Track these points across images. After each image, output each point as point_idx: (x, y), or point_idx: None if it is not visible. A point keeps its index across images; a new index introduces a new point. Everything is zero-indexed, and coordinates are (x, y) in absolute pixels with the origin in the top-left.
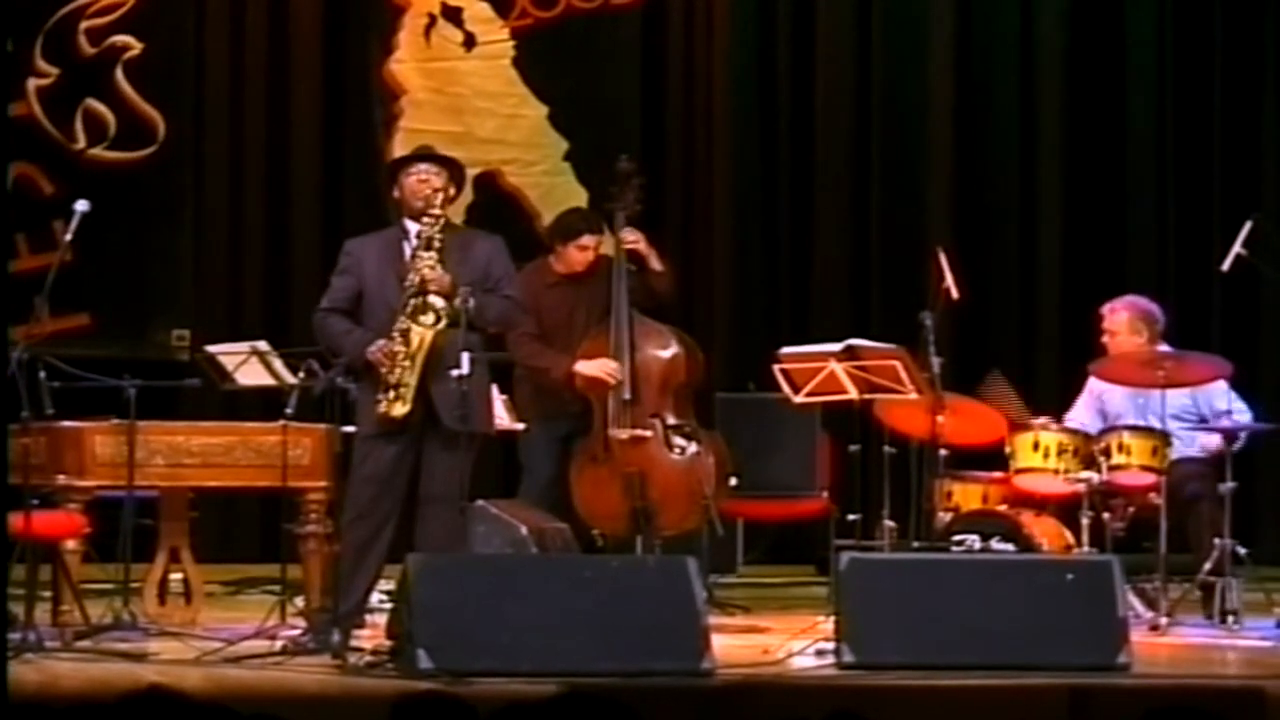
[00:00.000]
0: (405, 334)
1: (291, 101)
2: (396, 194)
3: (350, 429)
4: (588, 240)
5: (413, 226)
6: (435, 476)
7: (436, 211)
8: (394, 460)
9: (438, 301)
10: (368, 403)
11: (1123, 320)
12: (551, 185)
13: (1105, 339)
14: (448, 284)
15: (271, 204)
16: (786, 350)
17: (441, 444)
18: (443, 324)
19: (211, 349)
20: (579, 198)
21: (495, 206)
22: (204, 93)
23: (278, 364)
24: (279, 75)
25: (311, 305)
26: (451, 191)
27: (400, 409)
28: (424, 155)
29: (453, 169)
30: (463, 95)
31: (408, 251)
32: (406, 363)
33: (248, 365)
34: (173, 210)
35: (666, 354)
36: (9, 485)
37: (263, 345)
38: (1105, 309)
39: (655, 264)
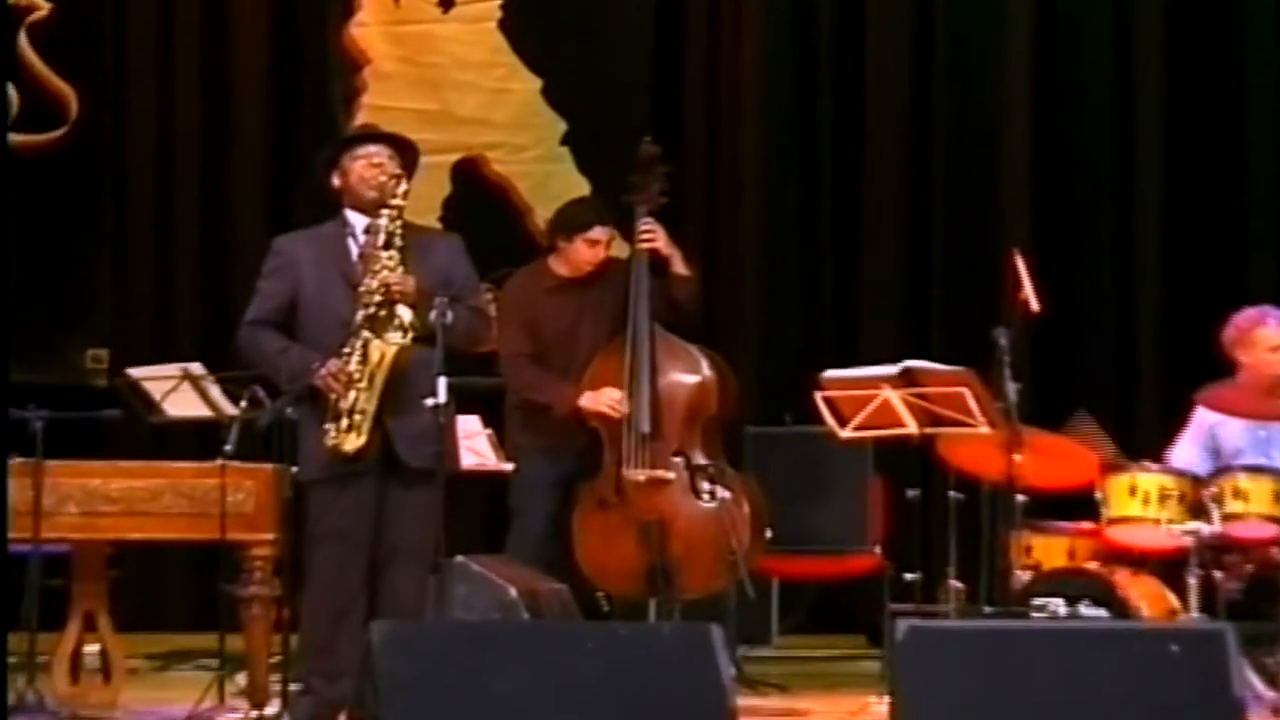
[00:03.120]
0: (363, 350)
1: (233, 74)
2: (337, 181)
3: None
4: (599, 233)
5: (358, 220)
6: (402, 526)
7: (398, 202)
8: (356, 509)
9: (405, 312)
10: (312, 437)
11: (1274, 334)
12: (546, 174)
13: (1242, 356)
14: (414, 291)
15: (208, 198)
16: (830, 374)
17: (405, 486)
18: (408, 340)
19: (135, 373)
20: (579, 190)
21: (477, 200)
22: (126, 63)
23: (215, 391)
24: (217, 42)
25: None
26: (406, 179)
27: (354, 441)
28: (372, 135)
29: (405, 152)
30: (439, 66)
31: (354, 249)
32: (364, 384)
33: (179, 393)
34: (88, 205)
35: (694, 379)
36: None
37: (197, 368)
38: (1243, 320)
39: (680, 266)
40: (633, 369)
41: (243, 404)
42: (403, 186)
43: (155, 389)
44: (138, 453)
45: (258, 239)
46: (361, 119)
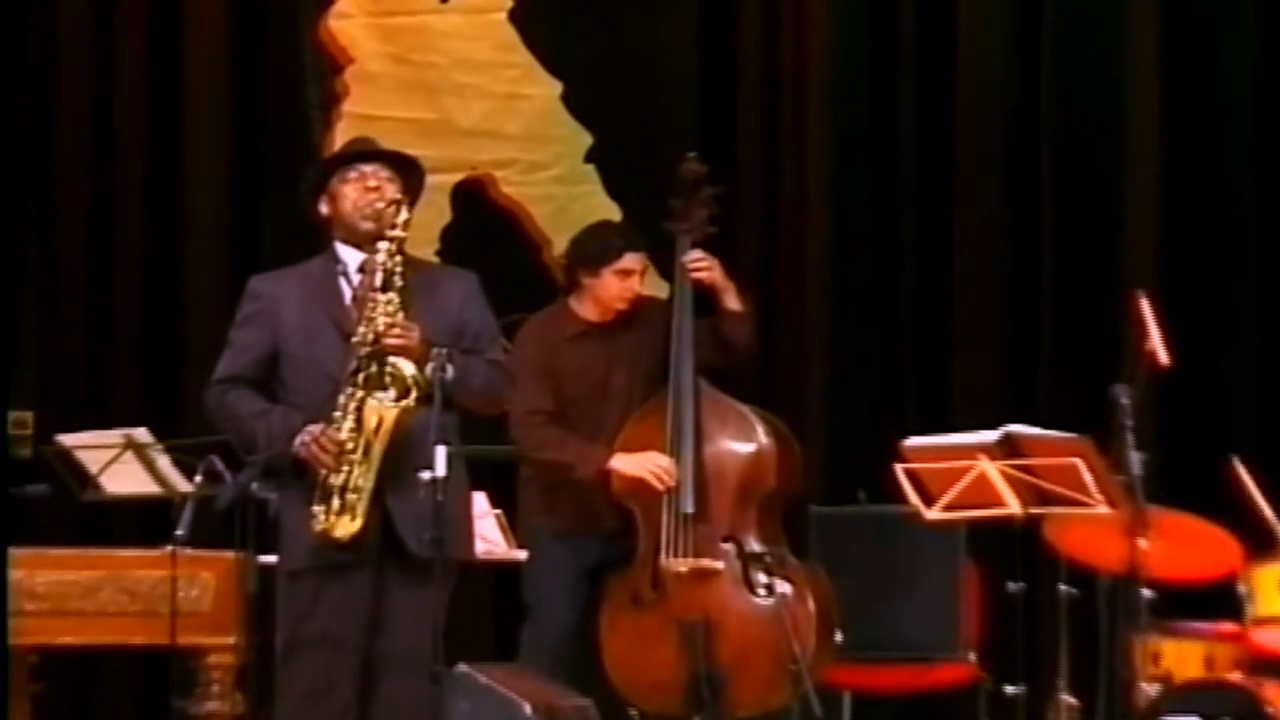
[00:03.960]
0: (357, 413)
1: (184, 74)
2: (326, 209)
3: (272, 559)
4: (631, 261)
5: (351, 255)
6: (399, 628)
7: (399, 234)
8: (348, 607)
9: (406, 367)
10: (297, 520)
11: None
12: (567, 198)
13: None
14: (418, 341)
15: (155, 227)
16: (914, 443)
17: (406, 581)
18: (411, 400)
19: (67, 440)
20: (608, 217)
21: (483, 229)
22: (55, 60)
23: (163, 462)
24: (166, 35)
25: (210, 373)
26: (408, 205)
27: (347, 525)
28: (368, 152)
29: (409, 173)
30: (437, 66)
31: (347, 292)
32: (358, 456)
33: (120, 464)
34: (8, 234)
35: (748, 447)
36: None
37: (142, 435)
38: None
39: (733, 301)
40: (674, 434)
41: (198, 478)
42: (404, 215)
43: (91, 460)
44: (69, 537)
45: (216, 277)
46: (343, 131)
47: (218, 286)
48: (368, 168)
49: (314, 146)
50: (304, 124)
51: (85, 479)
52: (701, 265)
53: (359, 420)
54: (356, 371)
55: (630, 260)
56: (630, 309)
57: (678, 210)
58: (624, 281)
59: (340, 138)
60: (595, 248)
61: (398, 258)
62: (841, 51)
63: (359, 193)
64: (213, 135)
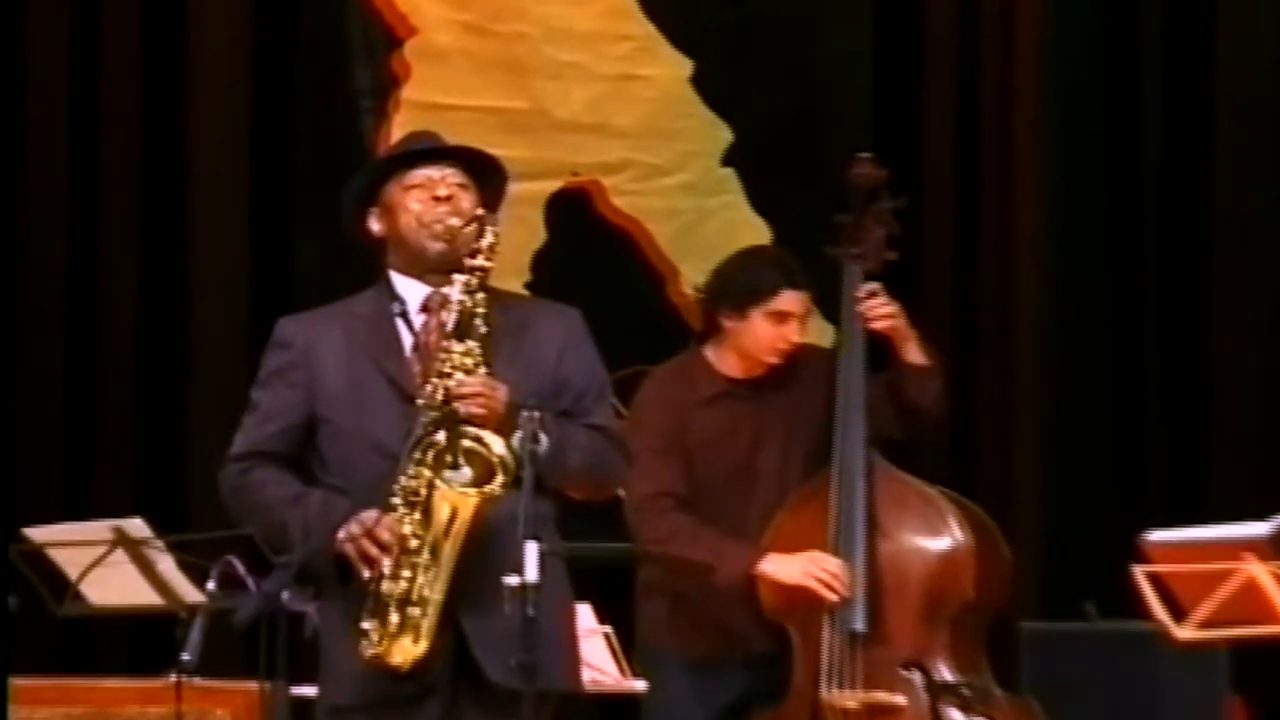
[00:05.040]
0: (423, 502)
1: (189, 55)
2: (378, 227)
3: (308, 692)
4: (788, 301)
5: (411, 289)
6: None
7: (482, 263)
8: None
9: (494, 442)
10: (342, 641)
11: None
12: (699, 213)
13: None
14: (503, 405)
15: (150, 252)
16: (1160, 538)
17: (486, 717)
18: (499, 484)
19: (38, 535)
20: (755, 236)
21: (588, 254)
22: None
23: (165, 564)
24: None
25: (223, 449)
26: (492, 224)
27: (410, 649)
28: (437, 149)
29: (486, 178)
30: (527, 39)
31: (407, 338)
32: (424, 558)
33: (108, 567)
34: None
35: (939, 544)
36: None
37: (136, 527)
38: None
39: (916, 354)
40: (840, 528)
41: (210, 585)
42: (488, 237)
43: (70, 561)
44: (42, 662)
45: (232, 320)
46: (401, 125)
47: (233, 332)
48: (435, 171)
49: (363, 146)
50: (350, 116)
51: (63, 587)
52: (878, 306)
53: (426, 511)
54: (422, 445)
55: (787, 299)
56: (785, 362)
57: (847, 230)
58: (778, 327)
59: (398, 132)
60: (742, 282)
61: (480, 295)
62: (1061, 36)
63: (424, 205)
64: (226, 130)
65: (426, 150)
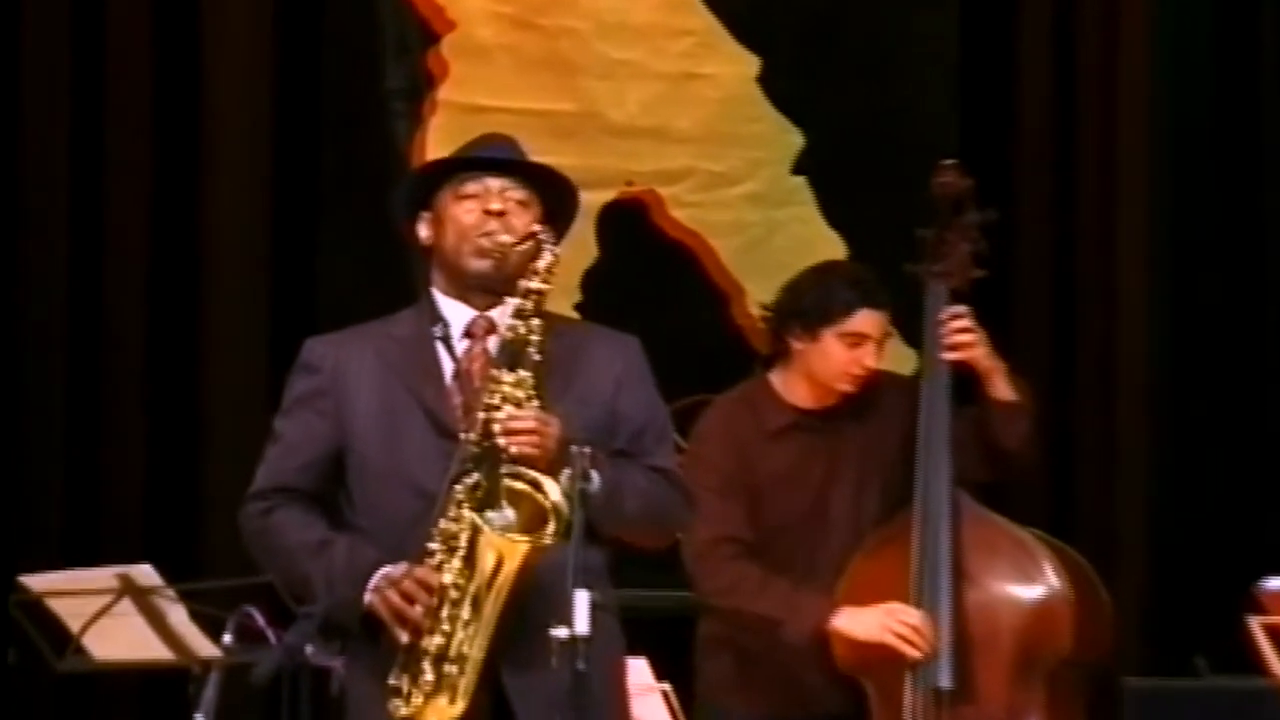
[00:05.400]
0: (464, 547)
1: (206, 56)
2: (426, 234)
3: None
4: (865, 322)
5: (456, 311)
6: None
7: (538, 285)
8: None
9: (550, 487)
10: (371, 700)
11: None
12: (767, 226)
13: None
14: (556, 443)
15: (160, 267)
16: (1275, 586)
17: None
18: (550, 532)
19: (36, 584)
20: (829, 251)
21: (644, 271)
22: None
23: (176, 615)
24: None
25: (242, 487)
26: (551, 242)
27: (446, 710)
28: (489, 159)
29: (550, 190)
30: (576, 33)
31: (448, 365)
32: (464, 611)
33: (113, 619)
34: None
35: (1032, 593)
36: None
37: (144, 574)
38: None
39: (1003, 389)
40: (923, 576)
41: (227, 639)
42: (546, 258)
43: (71, 612)
44: None
45: (250, 341)
46: (438, 128)
47: (253, 355)
48: (495, 182)
49: (395, 152)
50: (381, 120)
51: (64, 640)
52: (959, 331)
53: (469, 558)
54: (464, 484)
55: (863, 320)
56: (860, 391)
57: (929, 245)
58: (853, 351)
59: (435, 137)
60: (813, 300)
61: (533, 321)
62: (1169, 21)
63: (473, 217)
64: (245, 135)
65: (483, 160)
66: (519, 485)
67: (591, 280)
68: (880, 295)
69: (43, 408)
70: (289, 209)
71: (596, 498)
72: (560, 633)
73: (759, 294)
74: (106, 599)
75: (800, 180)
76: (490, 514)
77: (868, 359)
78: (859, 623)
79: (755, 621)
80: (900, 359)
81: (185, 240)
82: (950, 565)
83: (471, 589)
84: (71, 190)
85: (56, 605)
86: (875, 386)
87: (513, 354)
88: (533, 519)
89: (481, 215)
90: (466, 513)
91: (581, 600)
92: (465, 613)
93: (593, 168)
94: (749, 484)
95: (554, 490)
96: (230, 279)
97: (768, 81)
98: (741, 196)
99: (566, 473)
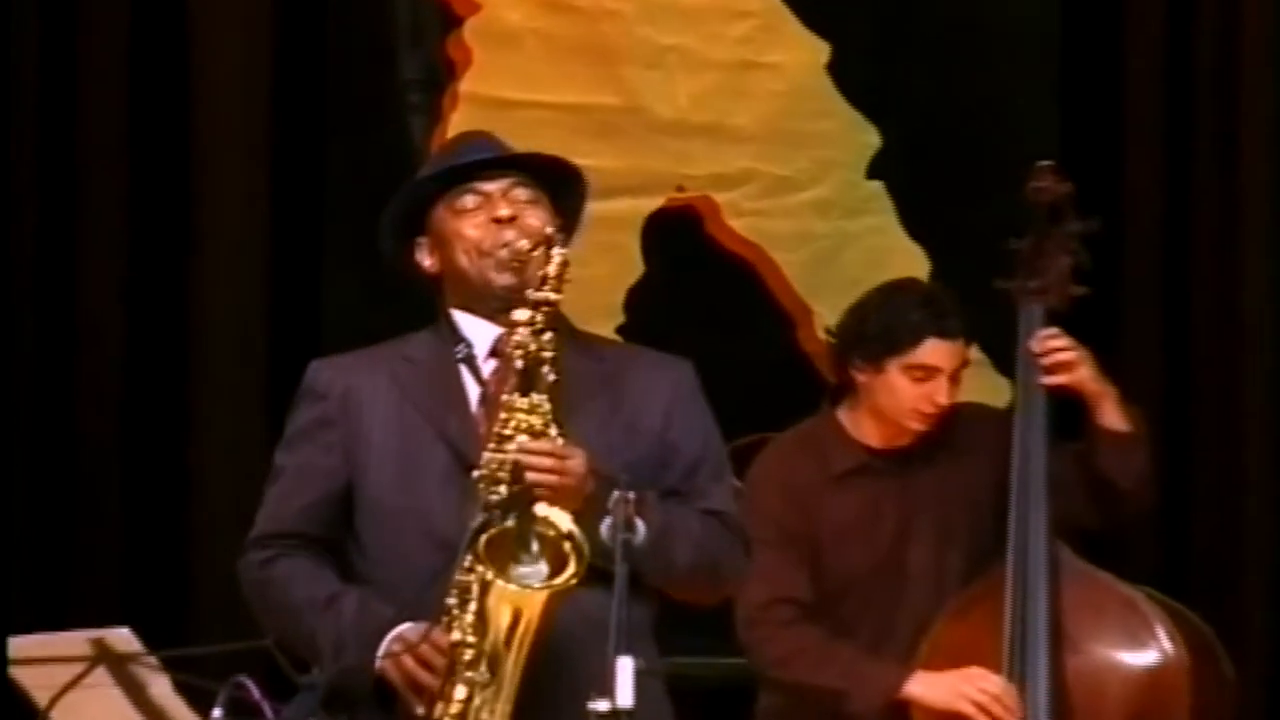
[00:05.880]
0: (474, 603)
1: (194, 49)
2: (430, 261)
3: None
4: (934, 352)
5: (479, 330)
6: None
7: (547, 295)
8: None
9: (559, 519)
10: None
11: None
12: (839, 238)
13: None
14: (578, 476)
15: (146, 282)
16: None
17: None
18: (569, 574)
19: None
20: (909, 267)
21: (698, 288)
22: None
23: (159, 685)
24: None
25: (238, 538)
26: (556, 248)
27: None
28: (495, 159)
29: (563, 189)
30: (618, 16)
31: (473, 391)
32: (480, 674)
33: (87, 690)
34: None
35: (1143, 659)
36: None
37: (123, 639)
38: None
39: (1114, 417)
40: (1016, 639)
41: (217, 712)
42: (555, 260)
43: (39, 683)
44: None
45: (246, 367)
46: (458, 125)
47: (250, 381)
48: (492, 185)
49: (412, 152)
50: (395, 115)
51: (30, 716)
52: (1061, 352)
53: (483, 612)
54: (480, 532)
55: (932, 350)
56: (937, 429)
57: (1024, 258)
58: (921, 385)
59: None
60: (877, 325)
61: (546, 336)
62: None
63: (483, 230)
64: (240, 135)
65: (488, 161)
66: (540, 526)
67: (637, 299)
68: (954, 321)
69: (5, 445)
70: (290, 220)
71: (641, 550)
72: (600, 706)
73: (829, 316)
74: (78, 668)
75: (876, 185)
76: (520, 569)
77: (940, 396)
78: (933, 689)
79: (817, 695)
80: (992, 390)
81: (173, 255)
82: (1049, 629)
83: (488, 647)
84: (41, 208)
85: (20, 675)
86: (958, 420)
87: (527, 375)
88: (554, 564)
89: (491, 225)
90: (480, 565)
91: (625, 668)
92: (481, 675)
93: (638, 171)
94: (810, 535)
95: (565, 522)
96: (224, 294)
97: (839, 71)
98: (808, 204)
99: (607, 521)
